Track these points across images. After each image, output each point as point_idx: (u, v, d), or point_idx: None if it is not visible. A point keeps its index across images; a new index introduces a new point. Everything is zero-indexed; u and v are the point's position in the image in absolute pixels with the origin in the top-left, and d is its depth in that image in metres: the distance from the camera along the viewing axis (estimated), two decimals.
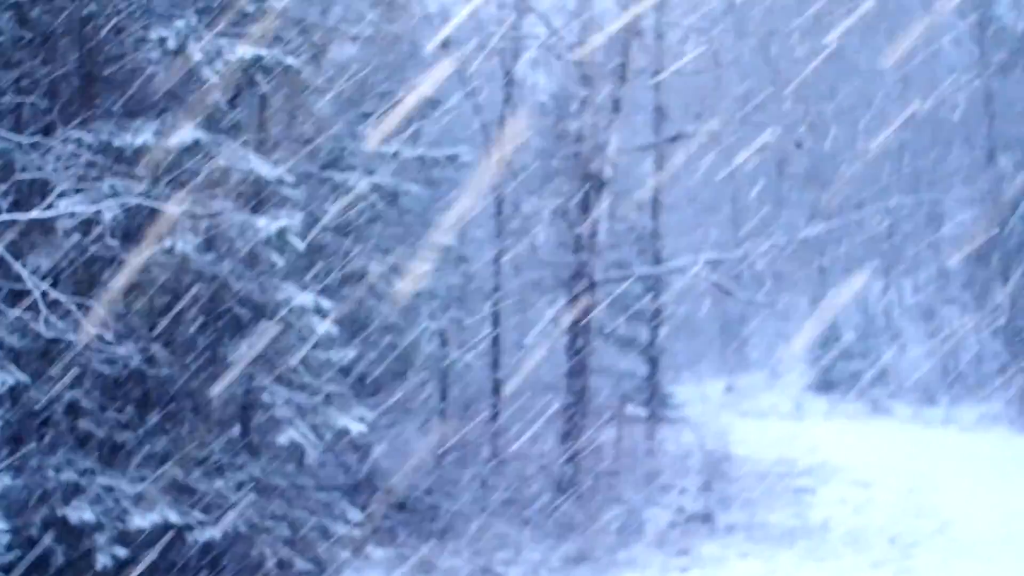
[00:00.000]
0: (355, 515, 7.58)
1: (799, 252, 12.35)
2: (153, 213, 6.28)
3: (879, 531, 9.59)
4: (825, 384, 19.10)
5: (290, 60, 6.87)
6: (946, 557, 8.57)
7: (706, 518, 9.84)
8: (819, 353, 18.76)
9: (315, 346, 7.08)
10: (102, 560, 6.25)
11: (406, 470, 8.89)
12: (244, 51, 6.56)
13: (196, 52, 6.37)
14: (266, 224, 6.66)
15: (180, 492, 6.60)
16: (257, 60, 6.65)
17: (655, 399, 13.08)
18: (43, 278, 5.92)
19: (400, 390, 9.36)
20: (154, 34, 6.59)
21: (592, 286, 10.39)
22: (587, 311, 10.21)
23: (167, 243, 6.26)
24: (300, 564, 6.97)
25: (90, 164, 6.25)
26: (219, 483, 6.79)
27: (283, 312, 6.84)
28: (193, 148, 6.50)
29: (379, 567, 8.22)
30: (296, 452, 7.31)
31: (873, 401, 17.77)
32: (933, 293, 19.82)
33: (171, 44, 6.45)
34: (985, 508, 10.13)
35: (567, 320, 10.29)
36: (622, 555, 8.86)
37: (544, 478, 10.08)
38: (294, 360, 7.03)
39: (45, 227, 6.22)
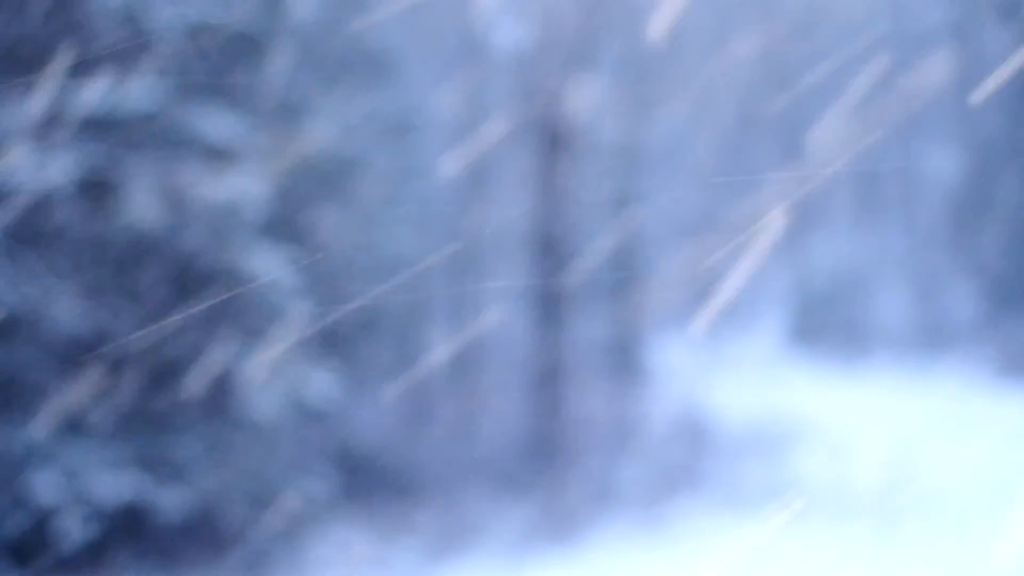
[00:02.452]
0: (324, 482, 7.53)
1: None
2: (110, 178, 6.19)
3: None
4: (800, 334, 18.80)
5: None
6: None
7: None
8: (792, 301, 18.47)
9: (281, 306, 7.01)
10: (67, 536, 6.20)
11: (378, 432, 8.82)
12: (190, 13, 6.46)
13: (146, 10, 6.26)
14: (227, 186, 6.59)
15: (144, 463, 6.55)
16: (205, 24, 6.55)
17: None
18: None
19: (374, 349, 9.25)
20: None
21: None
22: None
23: (124, 208, 6.19)
24: (268, 534, 6.91)
25: (41, 128, 6.13)
26: (183, 452, 6.73)
27: (248, 274, 6.78)
28: (150, 109, 6.41)
29: (350, 534, 8.17)
30: (264, 417, 7.25)
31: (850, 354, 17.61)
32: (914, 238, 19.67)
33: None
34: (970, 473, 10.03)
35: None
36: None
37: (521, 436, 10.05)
38: (260, 322, 6.96)
39: None
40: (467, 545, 8.30)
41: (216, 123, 6.66)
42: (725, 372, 16.96)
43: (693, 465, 10.37)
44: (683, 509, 9.14)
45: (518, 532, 8.51)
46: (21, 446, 6.09)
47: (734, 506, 9.27)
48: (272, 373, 6.82)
